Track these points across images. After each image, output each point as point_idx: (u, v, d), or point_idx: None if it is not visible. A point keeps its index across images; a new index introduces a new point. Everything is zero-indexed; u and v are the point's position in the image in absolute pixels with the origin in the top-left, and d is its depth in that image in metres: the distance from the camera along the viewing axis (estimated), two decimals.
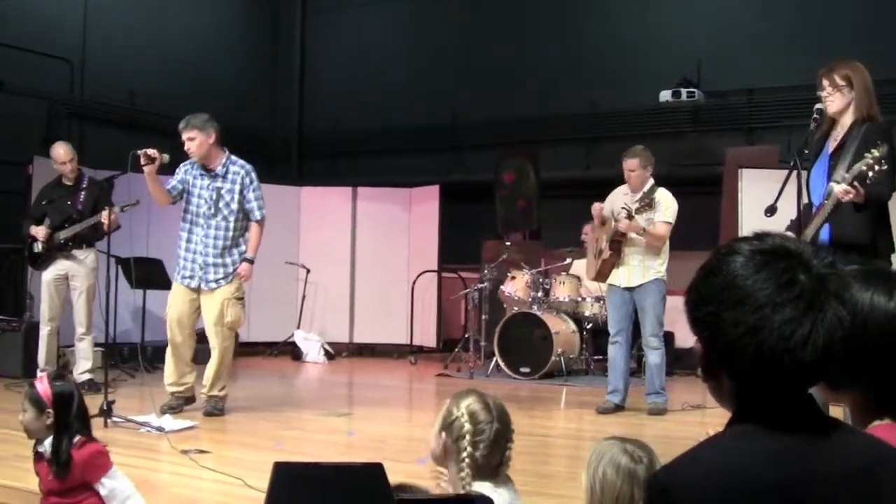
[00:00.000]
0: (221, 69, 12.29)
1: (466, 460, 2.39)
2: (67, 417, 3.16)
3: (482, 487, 2.37)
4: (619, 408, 6.55)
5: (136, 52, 11.07)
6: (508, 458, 2.49)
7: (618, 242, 6.53)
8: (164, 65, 11.34)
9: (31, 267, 7.49)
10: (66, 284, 7.14)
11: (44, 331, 7.13)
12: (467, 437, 2.40)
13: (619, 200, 6.64)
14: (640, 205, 6.34)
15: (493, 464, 2.44)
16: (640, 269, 6.46)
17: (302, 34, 13.62)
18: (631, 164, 6.56)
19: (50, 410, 3.16)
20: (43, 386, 3.19)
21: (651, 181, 6.59)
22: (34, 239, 7.14)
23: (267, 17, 13.68)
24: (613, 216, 6.58)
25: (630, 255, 6.51)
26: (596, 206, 6.80)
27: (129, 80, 11.05)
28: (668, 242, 6.53)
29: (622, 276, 6.54)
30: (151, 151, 5.82)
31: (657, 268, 6.47)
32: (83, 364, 7.13)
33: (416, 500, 2.13)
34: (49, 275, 7.13)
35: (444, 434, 2.45)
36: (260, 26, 13.59)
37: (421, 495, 2.22)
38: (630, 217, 6.32)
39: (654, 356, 6.45)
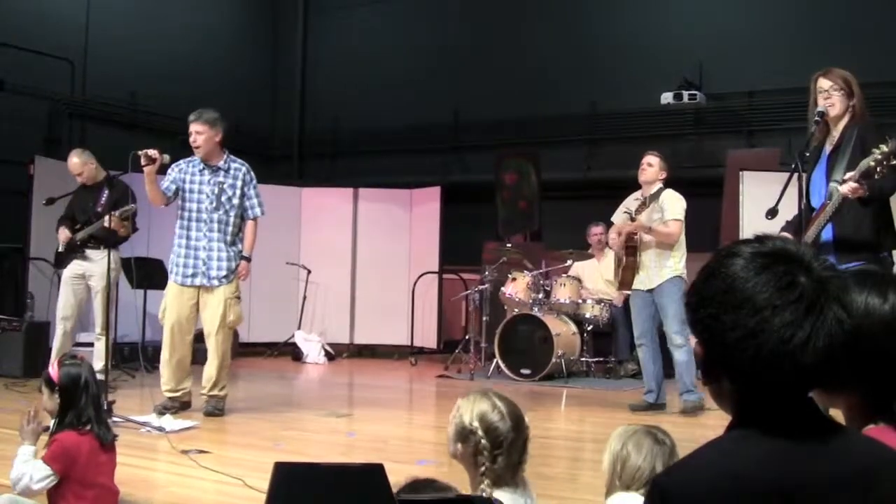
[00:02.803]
0: (222, 69, 12.31)
1: (486, 472, 2.36)
2: (74, 397, 3.20)
3: (501, 496, 2.36)
4: (652, 406, 6.60)
5: (138, 52, 11.08)
6: (525, 461, 2.46)
7: (632, 248, 6.62)
8: (165, 65, 11.36)
9: (55, 266, 7.53)
10: (84, 284, 7.15)
11: (58, 330, 7.09)
12: (485, 452, 2.36)
13: (632, 206, 6.79)
14: (639, 205, 6.47)
15: (511, 466, 2.41)
16: (657, 270, 6.52)
17: (303, 34, 13.63)
18: (651, 159, 6.73)
19: (58, 390, 3.20)
20: (54, 368, 3.26)
21: (660, 185, 6.69)
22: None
23: (268, 17, 13.69)
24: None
25: (645, 258, 6.59)
26: (614, 237, 6.87)
27: (131, 80, 11.07)
28: (683, 239, 6.59)
29: (643, 280, 6.61)
30: (152, 152, 5.82)
31: (672, 266, 6.52)
32: (97, 363, 7.11)
33: (416, 501, 2.13)
34: (67, 273, 7.17)
35: (460, 445, 2.41)
36: (261, 26, 13.61)
37: (428, 495, 2.22)
38: (632, 219, 6.42)
39: (681, 354, 6.45)
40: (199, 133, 6.09)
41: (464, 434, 2.40)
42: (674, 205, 6.55)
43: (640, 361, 6.82)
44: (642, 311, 6.62)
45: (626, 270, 6.66)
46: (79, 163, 7.21)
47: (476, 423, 2.39)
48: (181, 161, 6.25)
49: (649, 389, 6.64)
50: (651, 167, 6.68)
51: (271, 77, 13.65)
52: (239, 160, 6.28)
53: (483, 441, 2.36)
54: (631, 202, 6.84)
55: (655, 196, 6.59)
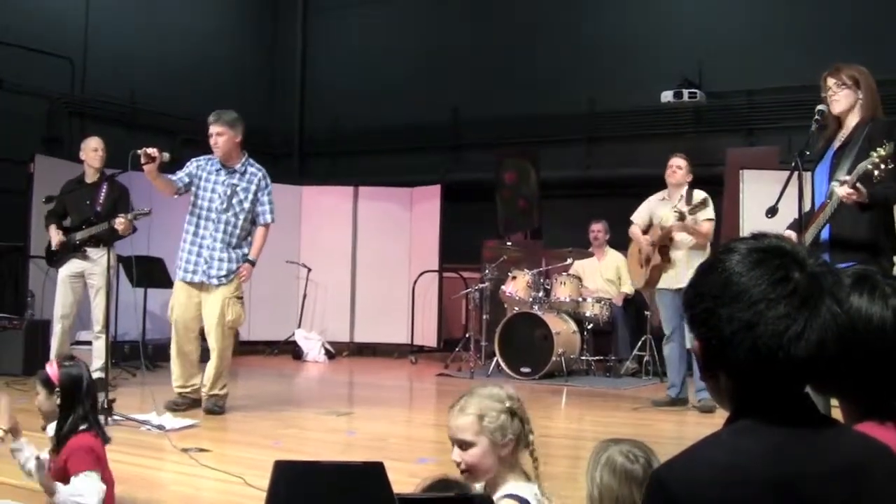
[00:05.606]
0: (222, 68, 12.30)
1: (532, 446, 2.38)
2: (74, 399, 3.21)
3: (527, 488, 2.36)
4: (675, 401, 6.74)
5: (137, 50, 11.08)
6: None
7: (665, 247, 6.74)
8: (164, 63, 11.35)
9: (48, 264, 7.48)
10: (83, 283, 7.11)
11: (56, 328, 7.04)
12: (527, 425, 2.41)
13: (658, 206, 6.96)
14: (692, 206, 6.64)
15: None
16: (685, 270, 6.58)
17: (303, 33, 13.62)
18: (680, 162, 6.96)
19: (58, 391, 3.20)
20: (52, 368, 3.26)
21: (687, 187, 6.89)
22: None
23: (268, 16, 13.69)
24: (661, 222, 6.81)
25: (677, 257, 6.71)
26: (637, 235, 7.04)
27: (130, 79, 11.06)
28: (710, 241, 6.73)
29: (671, 279, 6.71)
30: (152, 150, 5.81)
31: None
32: (96, 362, 7.09)
33: (416, 499, 2.13)
34: (64, 272, 7.07)
35: (511, 436, 2.41)
36: (261, 25, 13.60)
37: (428, 493, 2.22)
38: (682, 218, 6.60)
39: None
40: (220, 135, 6.15)
41: (505, 426, 2.42)
42: (708, 205, 6.74)
43: (665, 356, 6.96)
44: (670, 308, 6.74)
45: (656, 269, 6.79)
46: (100, 141, 7.19)
47: (515, 404, 2.44)
48: (201, 157, 6.31)
49: (672, 384, 6.79)
50: (680, 170, 6.92)
51: (271, 76, 13.64)
52: (257, 165, 6.35)
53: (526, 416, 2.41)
54: (655, 203, 7.01)
55: (691, 196, 6.77)
